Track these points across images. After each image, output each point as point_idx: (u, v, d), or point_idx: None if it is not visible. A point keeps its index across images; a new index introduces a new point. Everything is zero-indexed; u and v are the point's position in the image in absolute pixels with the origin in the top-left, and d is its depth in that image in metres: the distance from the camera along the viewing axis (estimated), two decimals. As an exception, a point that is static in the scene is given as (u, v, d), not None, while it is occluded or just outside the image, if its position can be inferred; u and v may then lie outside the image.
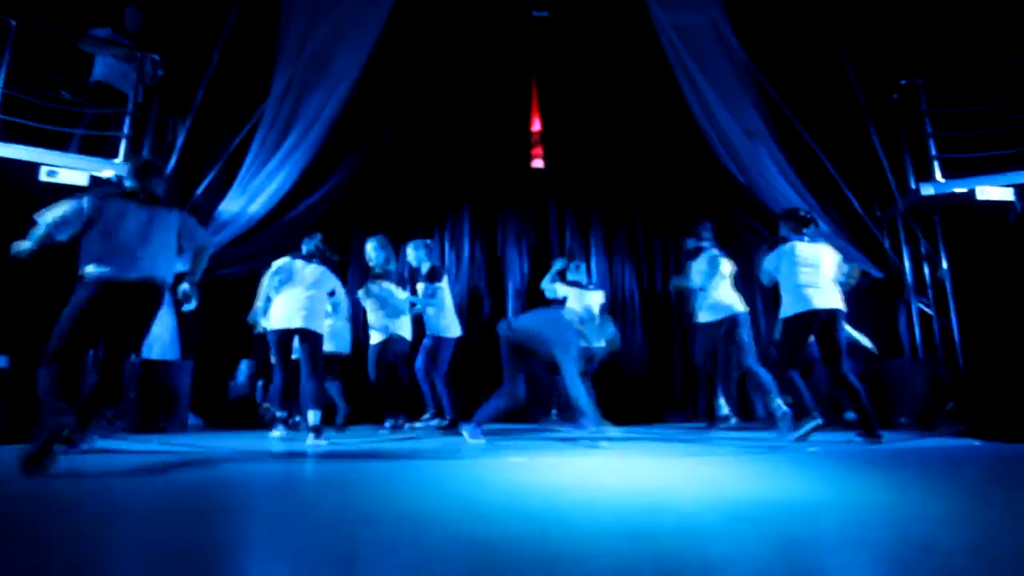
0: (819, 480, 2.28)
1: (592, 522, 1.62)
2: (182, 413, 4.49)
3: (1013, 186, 4.51)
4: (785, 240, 4.02)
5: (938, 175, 4.75)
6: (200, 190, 5.00)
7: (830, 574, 1.14)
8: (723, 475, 2.41)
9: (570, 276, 5.40)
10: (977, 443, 3.67)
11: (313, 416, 3.76)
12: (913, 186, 4.89)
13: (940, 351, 4.92)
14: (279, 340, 4.01)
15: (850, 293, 5.54)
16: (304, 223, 5.49)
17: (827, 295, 3.77)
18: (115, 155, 4.41)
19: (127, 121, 4.48)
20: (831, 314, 3.73)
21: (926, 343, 5.00)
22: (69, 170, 4.29)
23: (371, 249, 4.97)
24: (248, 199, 5.30)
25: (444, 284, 4.93)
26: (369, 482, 2.34)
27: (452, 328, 4.87)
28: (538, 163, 6.47)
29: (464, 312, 6.28)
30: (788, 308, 3.85)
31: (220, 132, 5.27)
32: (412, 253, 5.19)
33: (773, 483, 2.23)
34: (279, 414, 4.10)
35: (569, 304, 5.14)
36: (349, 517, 1.72)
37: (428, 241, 5.28)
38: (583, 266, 5.55)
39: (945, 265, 4.99)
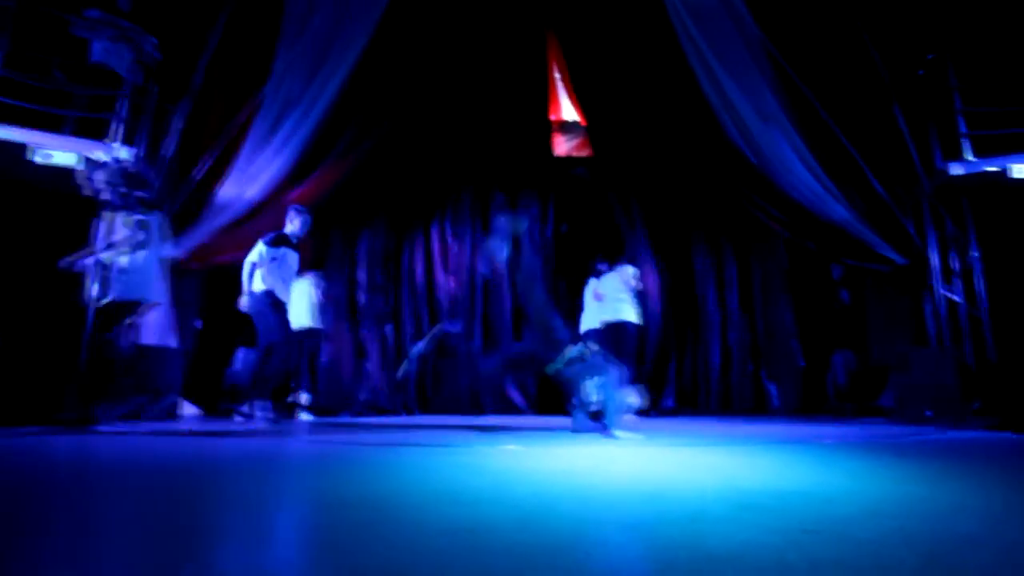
0: (839, 471, 2.07)
1: (581, 510, 1.43)
2: (173, 400, 4.38)
3: (1049, 164, 4.21)
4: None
5: (968, 154, 4.46)
6: (200, 175, 4.89)
7: (860, 569, 0.95)
8: (731, 464, 2.21)
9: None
10: (1011, 436, 3.42)
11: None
12: (940, 166, 4.60)
13: (968, 341, 4.64)
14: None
15: (870, 282, 5.29)
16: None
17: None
18: (111, 138, 4.30)
19: (125, 104, 4.37)
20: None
21: (953, 333, 4.71)
22: (63, 152, 4.19)
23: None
24: (246, 183, 5.18)
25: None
26: (353, 467, 2.18)
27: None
28: (553, 150, 6.27)
29: (468, 299, 6.13)
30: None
31: (219, 115, 5.15)
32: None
33: (788, 472, 2.03)
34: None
35: None
36: (325, 501, 1.57)
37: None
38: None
39: (975, 251, 4.70)
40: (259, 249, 4.29)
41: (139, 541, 1.19)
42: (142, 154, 4.36)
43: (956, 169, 4.41)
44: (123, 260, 3.56)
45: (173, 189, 4.82)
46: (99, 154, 4.25)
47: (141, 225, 3.64)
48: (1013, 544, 1.18)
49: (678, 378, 5.93)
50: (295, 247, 4.44)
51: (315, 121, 5.29)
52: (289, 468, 2.20)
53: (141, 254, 3.67)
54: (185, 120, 4.81)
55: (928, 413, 4.21)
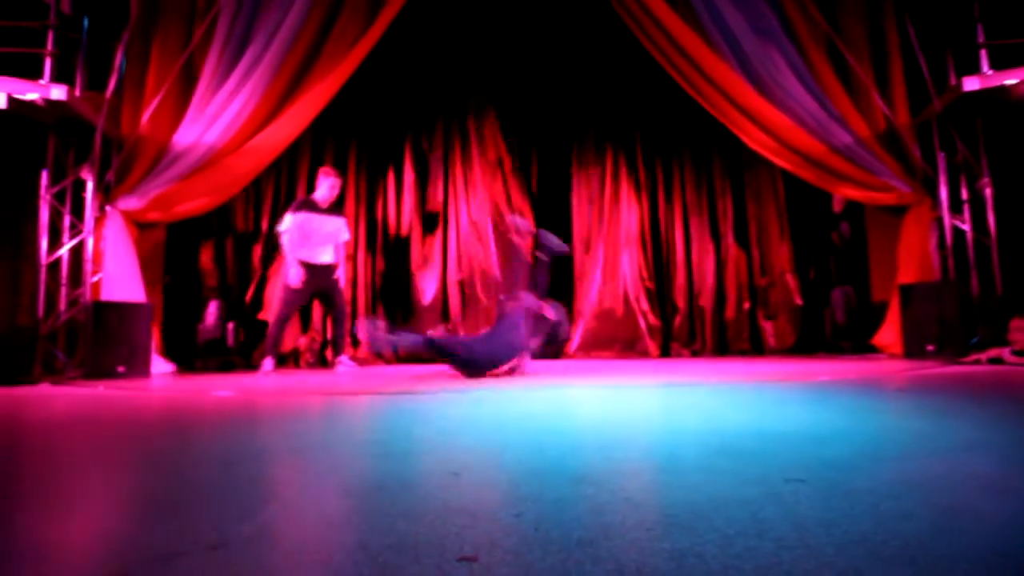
0: (832, 410, 1.87)
1: (529, 461, 1.22)
2: (143, 358, 4.18)
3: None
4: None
5: (985, 67, 4.05)
6: (147, 116, 4.51)
7: (859, 529, 0.73)
8: (715, 405, 2.01)
9: None
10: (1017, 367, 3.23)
11: None
12: (954, 82, 4.20)
13: (974, 273, 4.38)
14: None
15: (872, 213, 4.98)
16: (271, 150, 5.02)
17: None
18: (39, 76, 3.90)
19: (50, 37, 3.94)
20: None
21: (959, 264, 4.45)
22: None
23: None
24: (204, 125, 4.79)
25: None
26: (289, 418, 1.98)
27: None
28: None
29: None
30: None
31: (167, 50, 4.70)
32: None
33: (776, 412, 1.82)
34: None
35: None
36: (227, 456, 1.36)
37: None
38: None
39: (986, 176, 4.37)
40: (287, 218, 4.49)
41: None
42: (78, 93, 3.96)
43: (971, 84, 4.00)
44: None
45: (119, 133, 4.46)
46: (30, 95, 3.86)
47: None
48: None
49: (672, 316, 5.71)
50: (324, 211, 4.53)
51: (281, 52, 4.83)
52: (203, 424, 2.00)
53: None
54: (127, 55, 4.37)
55: (930, 348, 4.02)
